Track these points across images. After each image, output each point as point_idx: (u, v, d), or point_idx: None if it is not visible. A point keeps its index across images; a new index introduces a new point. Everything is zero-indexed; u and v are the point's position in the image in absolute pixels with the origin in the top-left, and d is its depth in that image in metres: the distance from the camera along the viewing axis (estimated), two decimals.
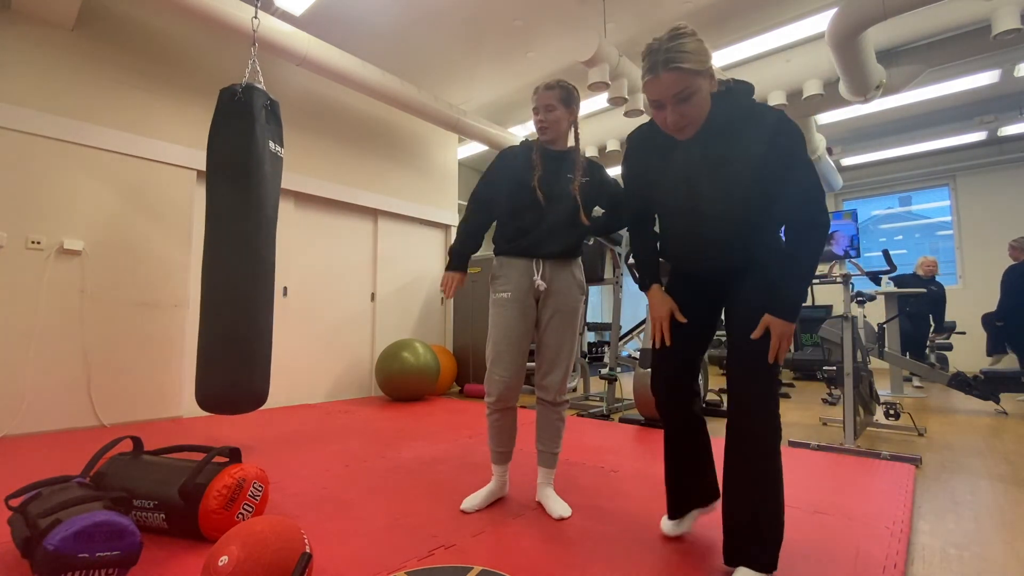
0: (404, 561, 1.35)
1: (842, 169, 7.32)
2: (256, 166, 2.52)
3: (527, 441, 2.71)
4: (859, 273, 3.07)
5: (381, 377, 4.18)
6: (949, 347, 5.57)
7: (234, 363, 2.42)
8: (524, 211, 1.74)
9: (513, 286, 1.74)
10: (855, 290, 3.40)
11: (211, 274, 2.47)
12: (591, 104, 5.32)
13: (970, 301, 6.57)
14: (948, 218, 6.99)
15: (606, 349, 6.80)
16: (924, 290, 4.83)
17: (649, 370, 3.19)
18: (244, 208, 2.49)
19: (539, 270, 1.74)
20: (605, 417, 3.60)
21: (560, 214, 1.74)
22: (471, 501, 1.75)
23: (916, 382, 5.17)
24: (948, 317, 6.58)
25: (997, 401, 3.57)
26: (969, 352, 6.39)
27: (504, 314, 1.74)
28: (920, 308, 5.14)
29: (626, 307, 8.79)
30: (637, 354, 3.37)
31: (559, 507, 1.69)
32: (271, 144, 2.61)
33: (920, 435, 2.97)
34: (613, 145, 5.46)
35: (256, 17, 2.94)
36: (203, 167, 3.60)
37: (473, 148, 6.45)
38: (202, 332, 2.47)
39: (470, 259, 1.89)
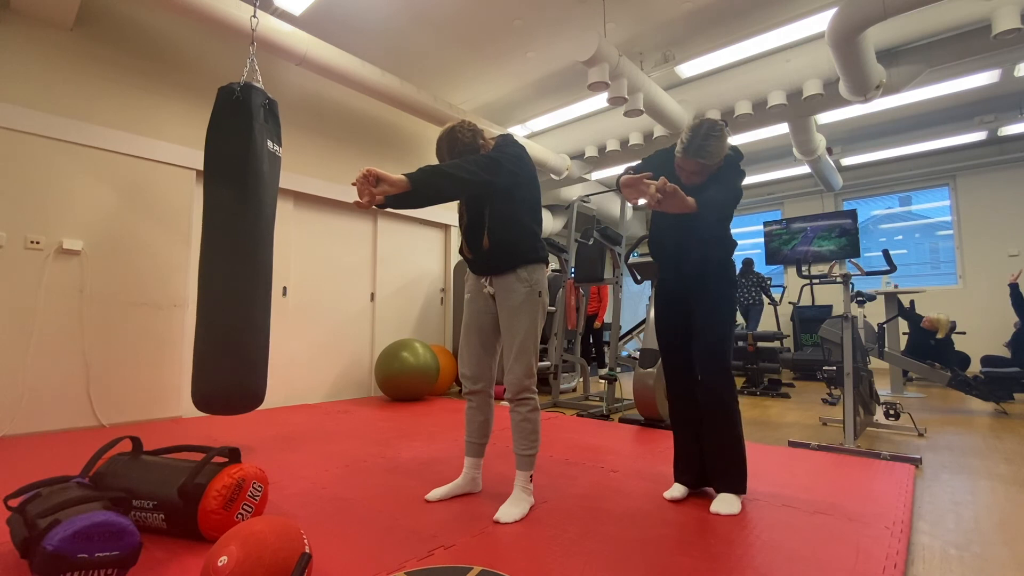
0: (404, 561, 1.35)
1: (842, 169, 7.32)
2: (254, 165, 2.51)
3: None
4: (859, 273, 3.06)
5: (380, 377, 4.18)
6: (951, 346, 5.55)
7: (230, 363, 2.41)
8: (464, 244, 1.89)
9: (470, 285, 1.91)
10: (855, 290, 3.40)
11: (207, 273, 2.46)
12: (591, 104, 5.32)
13: (970, 301, 6.57)
14: (948, 218, 6.99)
15: (605, 349, 6.79)
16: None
17: (649, 370, 3.19)
18: (242, 207, 2.48)
19: (487, 277, 1.86)
20: (605, 417, 3.60)
21: (486, 248, 1.80)
22: (435, 493, 1.84)
23: (914, 389, 5.16)
24: (949, 317, 6.58)
25: (997, 401, 3.57)
26: (969, 352, 6.39)
27: (465, 313, 1.91)
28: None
29: (626, 307, 8.79)
30: (637, 354, 3.37)
31: (504, 511, 1.66)
32: (269, 143, 2.60)
33: (920, 435, 2.97)
34: (613, 145, 5.46)
35: (255, 16, 2.94)
36: (202, 167, 3.60)
37: None
38: (198, 332, 2.45)
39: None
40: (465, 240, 1.89)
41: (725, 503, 1.73)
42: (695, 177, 1.84)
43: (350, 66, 3.82)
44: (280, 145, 2.71)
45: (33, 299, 2.96)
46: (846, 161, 6.99)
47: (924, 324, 4.69)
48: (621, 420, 3.40)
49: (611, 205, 7.70)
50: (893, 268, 3.03)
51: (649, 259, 3.60)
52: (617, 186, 1.71)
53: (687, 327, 1.93)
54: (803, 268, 3.42)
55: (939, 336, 4.58)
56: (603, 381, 4.12)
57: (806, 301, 7.40)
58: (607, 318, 6.76)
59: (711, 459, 1.83)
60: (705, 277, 1.88)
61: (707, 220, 1.85)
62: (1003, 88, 5.21)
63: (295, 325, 4.14)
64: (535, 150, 5.35)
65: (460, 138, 1.84)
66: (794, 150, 5.68)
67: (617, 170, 6.70)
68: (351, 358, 4.55)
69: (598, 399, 4.39)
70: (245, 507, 1.51)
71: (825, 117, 5.82)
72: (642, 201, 1.64)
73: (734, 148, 1.92)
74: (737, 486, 1.78)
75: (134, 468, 1.55)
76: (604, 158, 5.78)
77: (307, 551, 1.13)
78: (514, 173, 1.76)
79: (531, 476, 1.76)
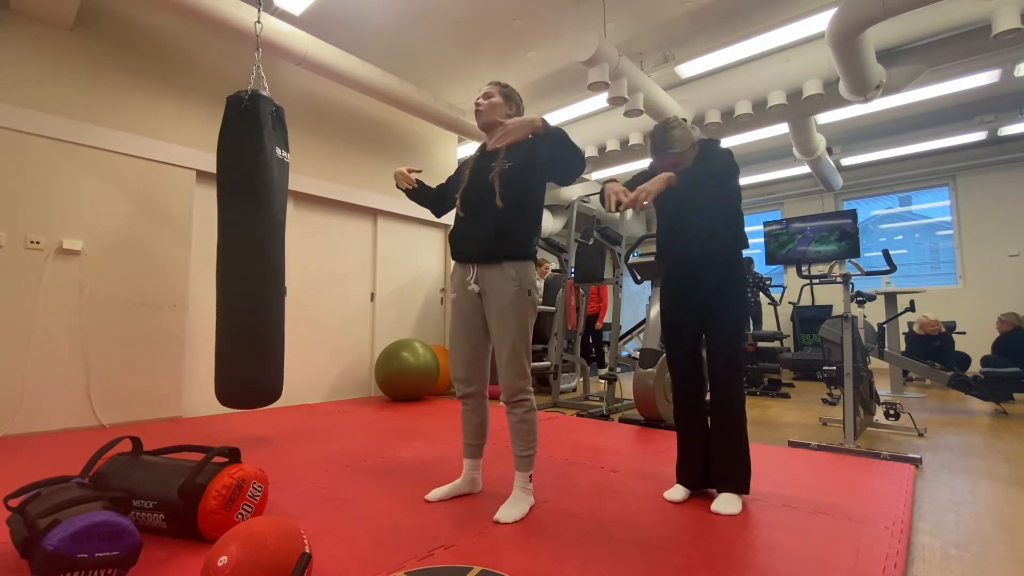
0: (404, 561, 1.35)
1: (842, 169, 7.32)
2: (265, 173, 2.62)
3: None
4: (859, 273, 3.06)
5: (380, 377, 4.18)
6: (950, 347, 5.56)
7: (251, 361, 2.57)
8: (457, 215, 1.87)
9: (456, 285, 1.86)
10: (855, 290, 3.40)
11: (226, 279, 2.59)
12: (591, 104, 5.32)
13: (970, 301, 6.57)
14: (948, 218, 6.99)
15: (605, 349, 6.79)
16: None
17: (649, 370, 3.19)
18: (255, 215, 2.60)
19: (472, 273, 1.80)
20: (605, 417, 3.60)
21: (482, 215, 1.77)
22: (435, 493, 1.84)
23: (914, 389, 5.16)
24: (949, 317, 6.60)
25: (997, 401, 3.57)
26: (969, 352, 6.39)
27: (452, 314, 1.87)
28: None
29: (626, 307, 8.79)
30: (637, 354, 3.37)
31: (504, 512, 1.66)
32: (278, 150, 2.70)
33: (920, 435, 2.97)
34: (613, 145, 5.46)
35: (259, 22, 2.95)
36: (203, 167, 3.60)
37: (473, 148, 6.46)
38: (219, 333, 2.59)
39: (415, 190, 2.02)
40: (462, 204, 1.84)
41: (726, 503, 1.73)
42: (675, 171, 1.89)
43: (350, 66, 3.83)
44: (288, 151, 2.77)
45: (33, 299, 2.96)
46: (846, 161, 6.99)
47: (930, 329, 4.69)
48: (621, 420, 3.40)
49: None
50: (893, 268, 3.02)
51: (649, 259, 3.59)
52: (601, 196, 1.74)
53: (698, 326, 1.91)
54: (803, 268, 3.42)
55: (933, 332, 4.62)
56: (603, 381, 4.12)
57: (806, 301, 7.40)
58: (607, 318, 6.76)
59: (717, 459, 1.83)
60: (717, 275, 1.86)
61: (715, 215, 1.87)
62: (1003, 88, 5.21)
63: (295, 325, 4.14)
64: None
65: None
66: (794, 150, 5.68)
67: (617, 170, 6.70)
68: (351, 358, 4.55)
69: (598, 399, 4.39)
70: (245, 507, 1.51)
71: (825, 117, 5.82)
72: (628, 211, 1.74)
73: (708, 139, 1.97)
74: (741, 486, 1.79)
75: (134, 468, 1.55)
76: (604, 158, 5.78)
77: (307, 551, 1.13)
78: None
79: (530, 476, 1.76)
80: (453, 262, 1.89)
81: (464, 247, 1.81)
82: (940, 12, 3.69)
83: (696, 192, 1.88)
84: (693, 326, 1.92)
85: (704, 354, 1.91)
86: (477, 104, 1.85)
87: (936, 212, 7.44)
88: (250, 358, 2.57)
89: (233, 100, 2.63)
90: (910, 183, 7.19)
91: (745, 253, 1.94)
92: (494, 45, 4.27)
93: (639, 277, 3.68)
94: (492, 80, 1.89)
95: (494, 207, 1.74)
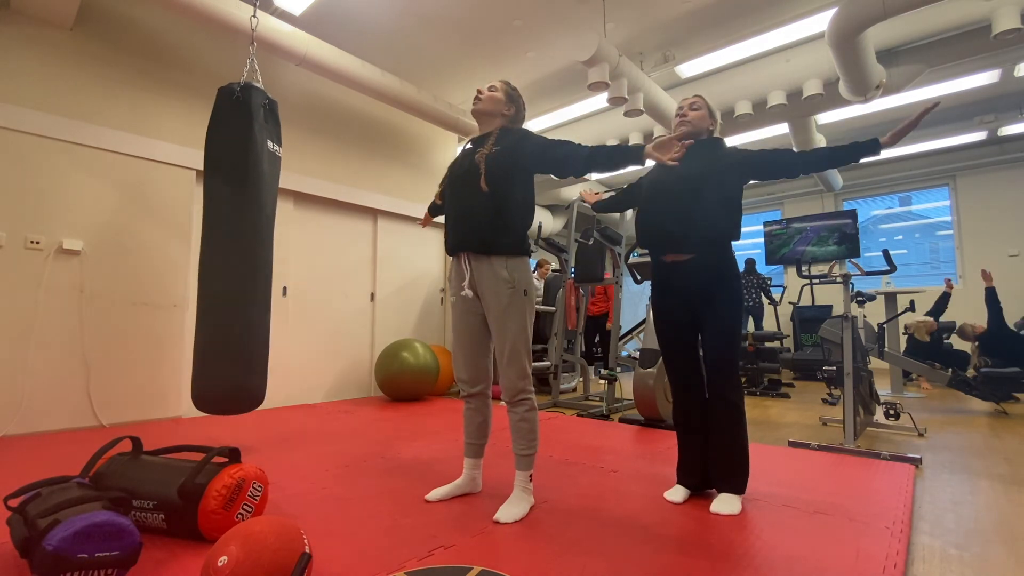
0: (404, 561, 1.35)
1: (842, 169, 7.32)
2: (254, 165, 2.51)
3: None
4: (859, 273, 3.06)
5: (381, 377, 4.18)
6: (949, 347, 5.57)
7: (230, 363, 2.40)
8: (446, 203, 1.87)
9: (454, 287, 1.84)
10: (855, 290, 3.40)
11: (207, 274, 2.47)
12: (591, 104, 5.32)
13: (970, 301, 6.57)
14: (948, 218, 6.99)
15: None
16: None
17: (649, 370, 3.19)
18: (241, 207, 2.48)
19: (466, 275, 1.78)
20: (605, 417, 3.60)
21: (467, 200, 1.75)
22: (435, 493, 1.84)
23: (914, 389, 5.16)
24: (948, 317, 6.59)
25: (997, 401, 3.57)
26: (969, 351, 6.39)
27: (452, 316, 1.88)
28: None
29: (626, 307, 8.79)
30: (637, 354, 3.37)
31: (504, 511, 1.66)
32: (269, 143, 2.60)
33: (920, 435, 2.97)
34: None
35: (255, 16, 2.94)
36: (202, 167, 3.60)
37: None
38: (198, 332, 2.45)
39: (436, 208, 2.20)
40: (449, 189, 1.84)
41: (725, 503, 1.73)
42: (693, 113, 1.91)
43: (350, 66, 3.83)
44: (280, 145, 2.71)
45: (33, 299, 2.96)
46: None
47: (930, 329, 4.69)
48: (621, 420, 3.40)
49: None
50: (893, 268, 3.02)
51: (648, 259, 3.59)
52: (641, 157, 1.62)
53: (691, 325, 1.87)
54: (803, 268, 3.42)
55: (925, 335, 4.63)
56: (603, 381, 4.12)
57: (806, 301, 7.40)
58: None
59: (716, 460, 1.82)
60: (708, 270, 1.80)
61: (707, 197, 1.80)
62: (1003, 88, 5.21)
63: (295, 325, 4.14)
64: None
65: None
66: (794, 150, 5.67)
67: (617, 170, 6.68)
68: (351, 358, 4.55)
69: (598, 399, 4.39)
70: (245, 507, 1.51)
71: (825, 117, 5.82)
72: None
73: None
74: (739, 487, 1.78)
75: (134, 468, 1.55)
76: None
77: (307, 551, 1.13)
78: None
79: (531, 476, 1.76)
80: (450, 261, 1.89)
81: (452, 234, 1.80)
82: (940, 12, 3.69)
83: (691, 179, 1.83)
84: (686, 325, 1.88)
85: (701, 353, 1.90)
86: (478, 91, 1.84)
87: (936, 212, 7.45)
88: (230, 360, 2.40)
89: (225, 91, 2.53)
90: (910, 183, 7.20)
91: (747, 254, 1.92)
92: (494, 45, 4.27)
93: (639, 277, 3.68)
94: (503, 78, 1.88)
95: (479, 190, 1.71)
